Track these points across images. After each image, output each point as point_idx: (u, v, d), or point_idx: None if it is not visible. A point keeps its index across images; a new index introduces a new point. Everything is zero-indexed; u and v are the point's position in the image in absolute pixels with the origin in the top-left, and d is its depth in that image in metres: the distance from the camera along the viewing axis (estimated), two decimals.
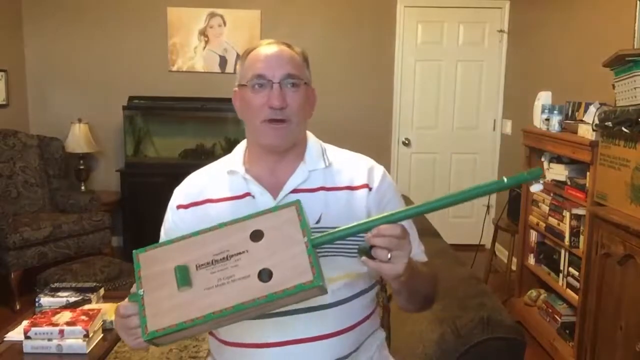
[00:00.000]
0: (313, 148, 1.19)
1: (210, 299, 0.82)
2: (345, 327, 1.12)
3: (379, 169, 1.19)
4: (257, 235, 0.85)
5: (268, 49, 1.13)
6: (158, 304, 0.85)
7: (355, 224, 0.93)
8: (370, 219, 0.94)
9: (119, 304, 0.91)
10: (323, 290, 0.86)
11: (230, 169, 1.18)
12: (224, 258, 0.85)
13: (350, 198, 1.13)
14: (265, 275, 0.82)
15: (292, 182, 1.13)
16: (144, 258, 0.90)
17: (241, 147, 1.23)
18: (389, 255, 0.90)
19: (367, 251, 0.91)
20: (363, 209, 1.12)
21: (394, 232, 0.90)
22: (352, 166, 1.18)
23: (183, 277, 0.84)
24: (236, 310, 0.81)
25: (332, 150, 1.23)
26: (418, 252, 1.18)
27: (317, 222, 1.10)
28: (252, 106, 1.12)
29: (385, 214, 0.94)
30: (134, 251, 0.92)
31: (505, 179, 0.91)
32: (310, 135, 1.23)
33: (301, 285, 0.81)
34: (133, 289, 0.89)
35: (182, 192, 1.21)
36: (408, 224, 1.15)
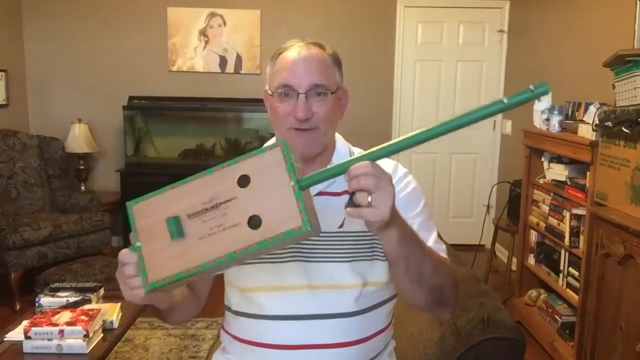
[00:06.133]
0: (341, 151, 1.18)
1: (203, 249, 0.84)
2: (366, 335, 1.12)
3: (401, 170, 1.17)
4: (244, 181, 0.84)
5: (296, 53, 1.10)
6: (155, 255, 0.87)
7: (342, 162, 0.87)
8: (351, 157, 0.87)
9: (120, 251, 0.92)
10: (315, 232, 0.84)
11: None
12: (213, 206, 0.84)
13: None
14: (254, 222, 0.82)
15: (318, 186, 1.12)
16: (138, 209, 0.90)
17: None
18: (369, 199, 0.82)
19: (350, 201, 0.85)
20: None
21: (365, 170, 0.82)
22: None
23: (176, 228, 0.85)
24: (229, 259, 0.82)
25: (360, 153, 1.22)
26: (435, 247, 1.11)
27: (340, 226, 1.09)
28: (278, 114, 1.11)
29: (364, 152, 0.87)
30: (127, 203, 0.92)
31: (505, 100, 0.78)
32: (339, 138, 1.21)
33: (290, 231, 0.80)
34: (131, 239, 0.90)
35: None
36: (425, 217, 1.14)
